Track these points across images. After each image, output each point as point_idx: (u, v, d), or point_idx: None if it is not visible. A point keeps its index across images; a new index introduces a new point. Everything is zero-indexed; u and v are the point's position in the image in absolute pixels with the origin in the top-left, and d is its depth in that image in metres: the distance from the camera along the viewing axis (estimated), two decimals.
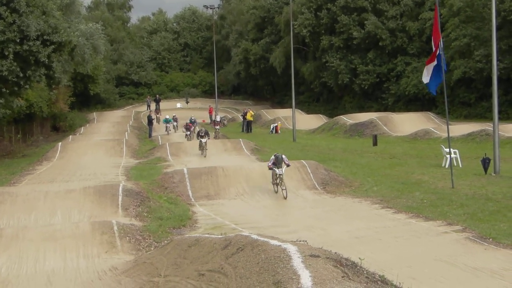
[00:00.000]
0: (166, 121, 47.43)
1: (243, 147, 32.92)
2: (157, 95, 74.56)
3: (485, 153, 22.45)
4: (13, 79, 29.84)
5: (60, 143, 37.02)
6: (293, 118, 42.12)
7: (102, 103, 74.27)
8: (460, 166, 24.15)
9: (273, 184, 20.12)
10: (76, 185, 19.70)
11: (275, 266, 6.89)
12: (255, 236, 8.66)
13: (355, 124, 45.30)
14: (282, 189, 19.32)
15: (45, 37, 30.11)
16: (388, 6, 60.07)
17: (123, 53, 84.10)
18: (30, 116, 43.48)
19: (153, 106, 68.76)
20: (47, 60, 30.33)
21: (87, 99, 68.30)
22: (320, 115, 58.21)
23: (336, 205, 18.09)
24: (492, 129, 24.37)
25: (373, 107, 59.50)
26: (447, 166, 22.76)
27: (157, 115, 55.78)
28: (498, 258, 11.09)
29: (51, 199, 17.41)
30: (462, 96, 50.19)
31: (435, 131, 37.87)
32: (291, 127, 42.45)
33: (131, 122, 57.88)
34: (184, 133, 40.91)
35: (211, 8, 71.27)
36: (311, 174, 21.61)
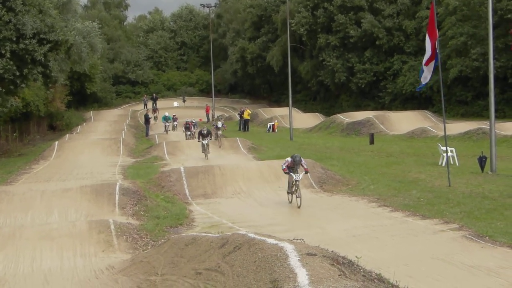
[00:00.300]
0: (165, 119, 45.60)
1: (240, 145, 32.91)
2: (154, 94, 74.54)
3: (482, 151, 22.48)
4: (10, 78, 29.81)
5: (56, 142, 36.98)
6: (290, 116, 42.13)
7: (99, 102, 74.16)
8: (457, 164, 24.18)
9: (288, 193, 17.99)
10: (73, 184, 19.68)
11: (272, 265, 6.90)
12: (252, 235, 8.66)
13: (352, 122, 45.33)
14: (296, 197, 17.22)
15: (41, 35, 30.08)
16: (384, 4, 60.10)
17: (120, 52, 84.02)
18: (26, 115, 43.44)
19: (150, 105, 68.77)
20: (43, 59, 30.31)
21: (83, 98, 68.22)
22: (317, 113, 58.23)
23: (333, 203, 18.09)
24: (488, 127, 24.40)
25: (370, 105, 59.58)
26: (443, 164, 22.79)
27: (155, 114, 54.14)
28: (495, 256, 11.11)
29: (48, 198, 17.40)
30: (459, 95, 50.30)
31: (432, 129, 37.91)
32: (288, 126, 42.46)
33: (128, 121, 57.82)
34: (184, 133, 40.49)
35: (208, 7, 71.30)
36: (308, 173, 21.59)
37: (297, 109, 58.84)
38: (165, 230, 14.75)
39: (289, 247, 7.41)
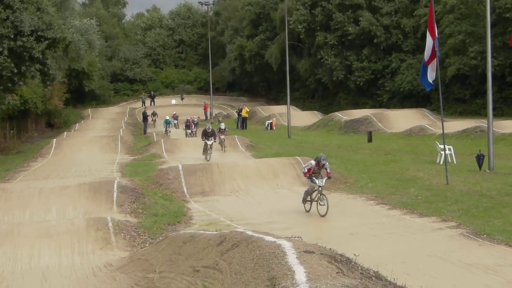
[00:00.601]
0: (167, 122, 43.32)
1: (238, 143, 32.90)
2: (152, 92, 74.61)
3: (480, 150, 22.50)
4: (7, 75, 29.77)
5: (54, 140, 36.96)
6: (288, 114, 42.12)
7: (97, 100, 74.17)
8: (455, 162, 24.20)
9: (307, 201, 15.93)
10: (71, 182, 19.67)
11: (270, 262, 6.90)
12: (250, 233, 8.67)
13: (350, 120, 45.36)
14: (320, 204, 15.20)
15: (39, 33, 30.03)
16: (383, 3, 60.13)
17: (118, 50, 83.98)
18: (24, 112, 43.40)
19: (148, 102, 68.82)
20: (41, 56, 30.26)
21: (82, 95, 68.22)
22: (315, 111, 58.24)
23: (331, 201, 18.05)
24: (486, 125, 24.43)
25: (368, 103, 59.63)
26: (441, 162, 22.80)
27: (154, 117, 51.52)
28: (492, 254, 11.13)
29: (46, 196, 17.39)
30: (457, 93, 50.34)
31: (429, 127, 37.94)
32: (286, 124, 42.45)
33: (126, 119, 57.82)
34: (184, 131, 39.96)
35: (206, 5, 71.28)
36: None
37: (295, 107, 58.83)
38: (163, 228, 14.75)
39: (287, 245, 7.42)
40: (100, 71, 72.75)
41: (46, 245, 13.04)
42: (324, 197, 15.10)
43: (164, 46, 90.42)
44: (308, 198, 15.75)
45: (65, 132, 45.72)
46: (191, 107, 66.17)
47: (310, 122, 50.46)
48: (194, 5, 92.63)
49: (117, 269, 11.45)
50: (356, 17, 60.28)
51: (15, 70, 29.67)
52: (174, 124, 46.89)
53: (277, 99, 71.53)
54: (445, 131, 22.50)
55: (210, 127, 29.33)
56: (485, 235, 12.44)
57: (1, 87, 30.57)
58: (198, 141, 33.71)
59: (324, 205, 15.00)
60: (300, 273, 6.33)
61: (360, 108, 53.73)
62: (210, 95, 67.06)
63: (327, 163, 15.43)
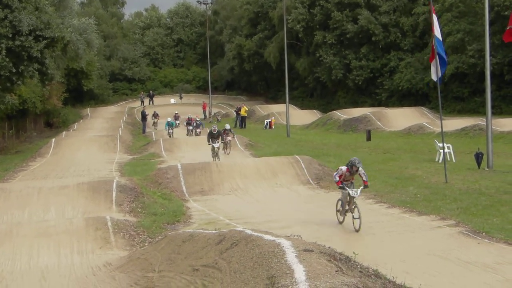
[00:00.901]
0: (169, 125, 41.48)
1: (237, 142, 32.88)
2: (151, 91, 74.56)
3: (478, 148, 22.51)
4: (6, 75, 29.77)
5: (53, 139, 36.93)
6: (287, 113, 42.11)
7: (95, 99, 74.16)
8: (454, 160, 24.21)
9: (340, 212, 14.11)
10: (70, 181, 19.67)
11: (269, 261, 6.91)
12: (249, 231, 8.68)
13: (349, 119, 45.35)
14: (353, 217, 13.34)
15: (37, 32, 30.03)
16: (381, 1, 60.13)
17: (116, 49, 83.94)
18: (23, 112, 43.37)
19: (146, 101, 68.83)
20: (39, 56, 30.26)
21: (80, 95, 68.22)
22: (314, 110, 58.23)
23: (330, 200, 18.05)
24: (485, 123, 24.44)
25: (366, 102, 59.63)
26: (440, 160, 22.81)
27: (155, 120, 49.89)
28: (491, 252, 11.14)
29: (45, 195, 17.38)
30: (456, 91, 50.36)
31: (428, 126, 37.95)
32: (285, 123, 42.45)
33: (124, 118, 57.79)
34: (186, 127, 39.50)
35: (204, 4, 71.25)
36: (305, 169, 21.62)
37: (294, 106, 58.85)
38: (162, 227, 14.75)
39: (286, 244, 7.43)
40: (98, 70, 72.75)
41: (45, 245, 13.04)
42: (357, 209, 13.16)
43: (162, 45, 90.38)
44: (342, 209, 13.91)
45: (64, 132, 45.71)
46: (190, 106, 66.13)
47: (309, 121, 50.46)
48: (192, 4, 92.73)
49: (117, 268, 11.45)
50: (354, 15, 60.28)
51: (14, 70, 29.68)
52: (176, 124, 45.90)
53: (276, 98, 71.51)
54: (444, 130, 22.51)
55: (216, 128, 28.15)
56: (484, 233, 12.44)
57: (0, 87, 30.54)
58: (198, 140, 33.77)
59: (357, 218, 13.09)
60: (299, 272, 6.34)
61: (359, 107, 53.72)
62: (209, 94, 67.00)
63: (361, 168, 13.32)
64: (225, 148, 29.03)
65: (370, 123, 42.49)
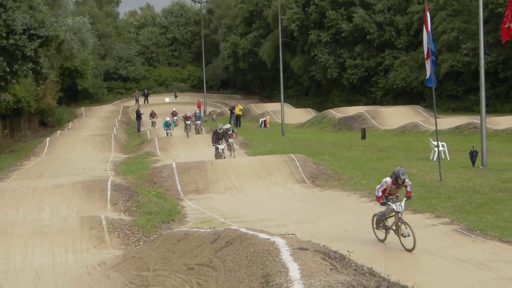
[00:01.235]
0: (166, 125, 39.73)
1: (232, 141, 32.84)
2: (146, 90, 74.49)
3: (473, 146, 22.57)
4: (0, 74, 29.68)
5: (48, 138, 36.88)
6: (281, 112, 42.14)
7: (90, 98, 74.06)
8: (448, 159, 24.27)
9: (376, 229, 12.24)
10: (64, 180, 19.64)
11: (263, 259, 6.91)
12: (244, 230, 8.68)
13: (343, 117, 45.40)
14: (402, 235, 11.34)
15: (31, 31, 29.97)
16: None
17: (111, 48, 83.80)
18: (17, 111, 43.27)
19: (141, 100, 68.75)
20: (34, 55, 30.20)
21: (75, 94, 68.09)
22: (309, 109, 58.28)
23: (325, 198, 18.12)
24: (479, 122, 24.50)
25: (361, 100, 59.68)
26: (435, 159, 22.86)
27: (153, 119, 48.55)
28: (486, 250, 11.16)
29: (39, 195, 17.35)
30: (450, 90, 50.46)
31: (423, 124, 38.02)
32: (280, 121, 42.47)
33: (119, 117, 57.75)
34: (184, 122, 38.56)
35: (199, 2, 71.27)
36: (299, 168, 21.64)
37: (289, 105, 58.88)
38: (157, 226, 14.75)
39: (280, 242, 7.43)
40: (93, 69, 72.62)
41: (39, 244, 13.02)
42: (406, 225, 11.31)
43: (157, 44, 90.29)
44: (381, 226, 12.06)
45: (58, 131, 45.63)
46: (184, 105, 65.98)
47: (304, 120, 50.50)
48: (187, 3, 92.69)
49: (111, 267, 11.44)
50: (349, 14, 60.33)
51: (8, 69, 29.61)
52: (175, 121, 44.58)
53: (271, 97, 71.50)
54: (438, 128, 22.55)
55: (222, 127, 26.35)
56: (478, 231, 12.46)
57: None
58: (192, 140, 33.67)
59: (408, 235, 11.17)
60: (294, 270, 6.34)
61: (354, 105, 53.77)
62: (203, 93, 66.97)
63: (407, 180, 11.65)
64: (229, 150, 26.91)
65: (365, 121, 42.54)
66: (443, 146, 24.16)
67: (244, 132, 40.96)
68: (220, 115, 61.04)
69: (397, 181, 11.53)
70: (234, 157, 26.82)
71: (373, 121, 42.69)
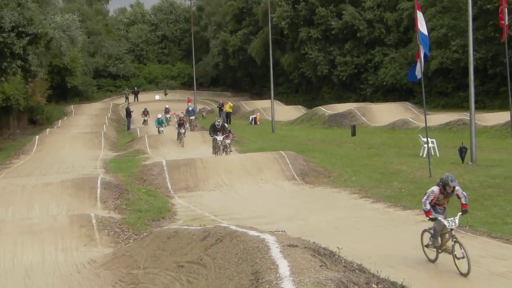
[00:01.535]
0: (159, 122, 38.54)
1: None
2: (136, 87, 74.28)
3: (462, 142, 22.64)
4: None
5: (37, 136, 36.73)
6: (272, 109, 42.16)
7: (79, 96, 73.73)
8: (438, 155, 24.36)
9: (427, 246, 10.45)
10: (54, 179, 19.59)
11: (253, 257, 6.91)
12: (233, 227, 8.68)
13: (333, 114, 45.45)
14: (456, 258, 9.64)
15: (20, 29, 29.82)
16: None
17: (100, 45, 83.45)
18: (6, 109, 43.05)
19: (131, 98, 68.56)
20: (22, 52, 30.04)
21: (64, 91, 67.74)
22: (299, 106, 58.23)
23: (315, 195, 18.15)
24: (468, 118, 24.59)
25: (351, 97, 59.78)
26: (424, 155, 22.94)
27: (145, 118, 46.89)
28: (475, 245, 11.19)
29: (29, 193, 17.29)
30: (439, 86, 50.66)
31: (413, 121, 38.14)
32: (270, 118, 42.47)
33: (109, 115, 57.57)
34: (177, 130, 33.42)
35: (189, 0, 71.02)
36: (290, 165, 21.66)
37: (279, 102, 58.88)
38: (147, 224, 14.72)
39: (270, 239, 7.44)
40: (82, 67, 72.29)
41: (29, 243, 12.97)
42: (460, 245, 9.53)
43: (147, 41, 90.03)
44: (435, 245, 10.19)
45: (47, 129, 45.40)
46: (174, 102, 65.84)
47: (294, 117, 50.49)
48: (176, 0, 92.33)
49: (101, 265, 11.41)
50: (339, 11, 60.38)
51: None
52: (167, 118, 43.95)
53: (261, 94, 71.50)
54: (428, 124, 22.62)
55: (220, 121, 26.48)
56: (467, 227, 12.51)
57: None
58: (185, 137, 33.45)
59: (463, 257, 9.45)
60: (283, 267, 6.35)
61: (344, 102, 53.78)
62: (193, 90, 66.82)
63: (458, 187, 10.01)
64: (225, 150, 25.99)
65: (355, 118, 42.61)
66: (432, 142, 24.25)
67: (234, 129, 40.78)
68: (210, 112, 60.93)
69: (446, 190, 9.90)
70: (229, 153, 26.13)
71: (363, 118, 42.76)
